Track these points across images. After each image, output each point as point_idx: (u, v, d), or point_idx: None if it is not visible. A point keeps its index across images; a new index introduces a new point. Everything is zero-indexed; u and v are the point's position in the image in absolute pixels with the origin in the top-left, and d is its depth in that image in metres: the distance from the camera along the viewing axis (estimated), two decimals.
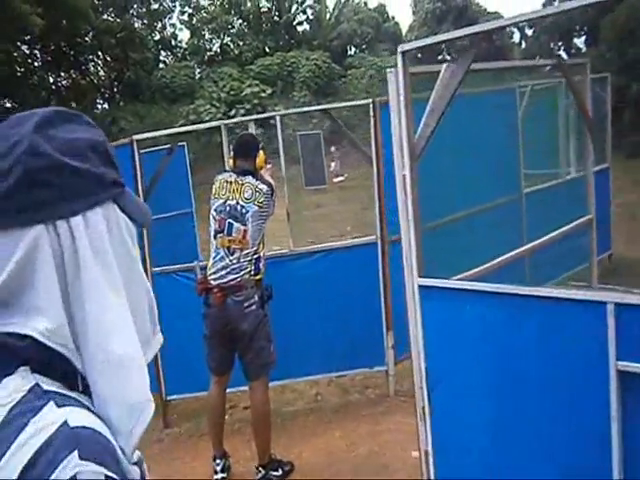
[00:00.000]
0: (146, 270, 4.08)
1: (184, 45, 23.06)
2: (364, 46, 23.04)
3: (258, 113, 18.62)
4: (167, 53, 23.27)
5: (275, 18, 23.31)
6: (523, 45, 24.12)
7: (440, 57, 21.85)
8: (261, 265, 3.31)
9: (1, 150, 0.67)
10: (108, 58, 20.91)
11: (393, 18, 23.70)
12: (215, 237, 3.29)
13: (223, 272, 3.24)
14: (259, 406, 3.29)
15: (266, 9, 23.48)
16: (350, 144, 4.98)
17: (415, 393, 2.48)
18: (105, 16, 20.71)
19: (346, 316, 4.16)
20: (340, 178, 17.82)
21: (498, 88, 5.17)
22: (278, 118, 4.05)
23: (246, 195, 3.25)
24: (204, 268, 3.38)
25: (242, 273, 3.23)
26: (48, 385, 0.66)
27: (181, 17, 23.32)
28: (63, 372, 0.68)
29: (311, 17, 23.45)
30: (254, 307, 3.23)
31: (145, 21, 22.25)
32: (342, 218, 12.20)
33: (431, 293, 2.42)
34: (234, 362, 3.41)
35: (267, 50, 22.52)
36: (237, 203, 3.24)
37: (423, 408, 2.44)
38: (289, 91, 20.44)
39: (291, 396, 4.22)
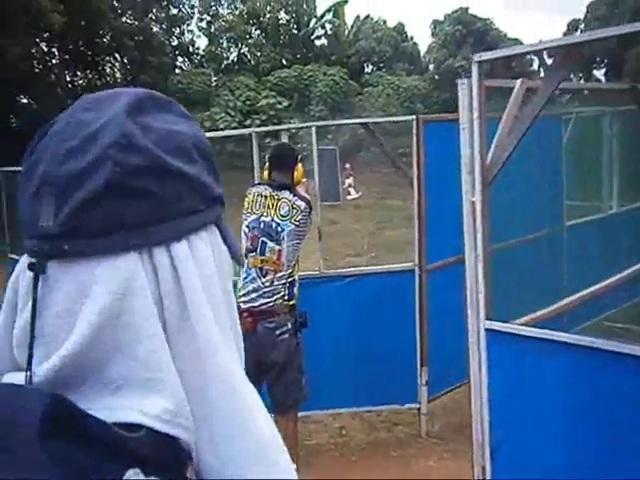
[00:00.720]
0: None
1: (201, 52, 23.01)
2: (381, 64, 22.97)
3: (274, 124, 18.54)
4: (184, 59, 23.25)
5: (293, 31, 23.27)
6: (542, 73, 24.11)
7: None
8: (295, 289, 3.05)
9: (74, 142, 0.46)
10: (125, 60, 20.84)
11: (412, 38, 23.65)
12: (247, 256, 3.02)
13: (254, 295, 2.98)
14: (286, 444, 3.01)
15: (284, 21, 23.46)
16: (389, 161, 4.72)
17: (473, 450, 2.21)
18: (124, 19, 20.69)
19: (377, 347, 3.88)
20: (354, 195, 17.61)
21: (543, 114, 4.96)
22: (314, 129, 3.81)
23: (282, 212, 2.99)
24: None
25: (275, 297, 2.97)
26: None
27: (199, 24, 23.32)
28: (170, 466, 0.46)
29: (329, 32, 23.40)
30: (287, 335, 2.97)
31: (164, 26, 22.23)
32: (358, 236, 11.96)
33: (499, 338, 2.16)
34: (261, 394, 3.14)
35: (284, 62, 22.46)
36: (272, 220, 2.99)
37: (483, 468, 2.17)
38: (305, 104, 20.33)
39: (312, 427, 3.93)
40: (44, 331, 0.44)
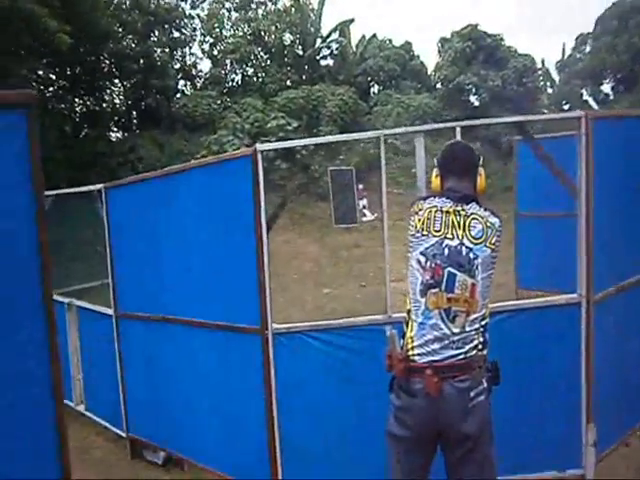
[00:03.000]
0: (266, 328, 3.04)
1: (204, 75, 22.41)
2: (389, 83, 22.52)
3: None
4: (186, 82, 22.59)
5: (299, 51, 22.80)
6: (550, 90, 23.79)
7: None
8: (487, 334, 2.30)
9: None
10: (127, 84, 20.17)
11: (418, 57, 23.24)
12: (424, 293, 2.25)
13: (437, 346, 2.21)
14: None
15: (289, 42, 23.00)
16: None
17: None
18: (125, 42, 20.07)
19: (529, 399, 3.12)
20: (370, 217, 16.93)
21: None
22: (458, 130, 3.07)
23: (474, 232, 2.23)
24: (402, 336, 2.34)
25: (467, 348, 2.21)
26: None
27: (202, 47, 22.75)
28: None
29: (335, 52, 22.93)
30: (482, 397, 2.21)
31: (166, 49, 21.63)
32: (388, 260, 11.21)
33: None
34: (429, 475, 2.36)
35: (289, 83, 21.93)
36: (461, 244, 2.22)
37: None
38: (315, 125, 19.74)
39: None
40: None
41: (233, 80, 22.24)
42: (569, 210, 3.31)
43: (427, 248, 2.26)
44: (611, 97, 22.42)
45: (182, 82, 22.49)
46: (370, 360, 2.71)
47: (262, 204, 3.04)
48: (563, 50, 23.55)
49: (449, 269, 2.21)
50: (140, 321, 3.79)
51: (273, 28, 22.34)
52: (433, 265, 2.23)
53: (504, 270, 9.00)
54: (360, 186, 17.63)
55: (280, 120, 19.05)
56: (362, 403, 3.00)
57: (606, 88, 23.12)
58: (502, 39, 20.92)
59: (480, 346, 2.23)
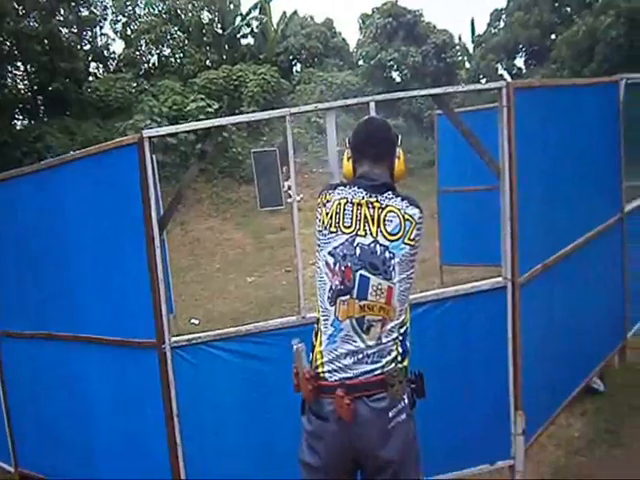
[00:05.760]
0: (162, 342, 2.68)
1: (118, 56, 21.08)
2: (312, 61, 22.10)
3: (205, 129, 17.13)
4: (98, 64, 21.18)
5: (218, 30, 21.91)
6: (467, 65, 24.14)
7: None
8: (408, 342, 2.03)
9: None
10: (31, 68, 18.63)
11: (340, 34, 22.95)
12: (334, 300, 1.94)
13: (349, 361, 1.92)
14: None
15: (207, 20, 22.05)
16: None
17: None
18: (26, 21, 18.46)
19: (454, 392, 2.94)
20: (295, 199, 16.60)
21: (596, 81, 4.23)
22: (372, 105, 2.77)
23: (390, 227, 1.92)
24: (311, 350, 2.03)
25: (384, 361, 1.92)
26: None
27: (114, 26, 21.35)
28: None
29: (256, 30, 22.23)
30: (404, 416, 1.94)
31: (74, 29, 20.14)
32: (300, 251, 10.95)
33: None
34: None
35: (209, 64, 21.07)
36: (375, 242, 1.92)
37: None
38: (236, 106, 19.07)
39: None
40: None
41: (149, 62, 21.07)
42: (491, 183, 3.14)
43: (336, 247, 1.95)
44: (524, 71, 23.07)
45: (93, 64, 21.10)
46: (285, 369, 2.41)
47: (152, 200, 2.64)
48: (472, 25, 23.92)
49: (361, 272, 1.90)
50: (24, 339, 3.30)
51: (190, 6, 21.32)
52: (343, 268, 1.92)
53: (428, 245, 8.99)
54: (284, 168, 17.25)
55: (200, 102, 18.28)
56: (276, 421, 2.71)
57: (519, 62, 23.77)
58: (422, 15, 20.99)
59: (399, 357, 1.95)
